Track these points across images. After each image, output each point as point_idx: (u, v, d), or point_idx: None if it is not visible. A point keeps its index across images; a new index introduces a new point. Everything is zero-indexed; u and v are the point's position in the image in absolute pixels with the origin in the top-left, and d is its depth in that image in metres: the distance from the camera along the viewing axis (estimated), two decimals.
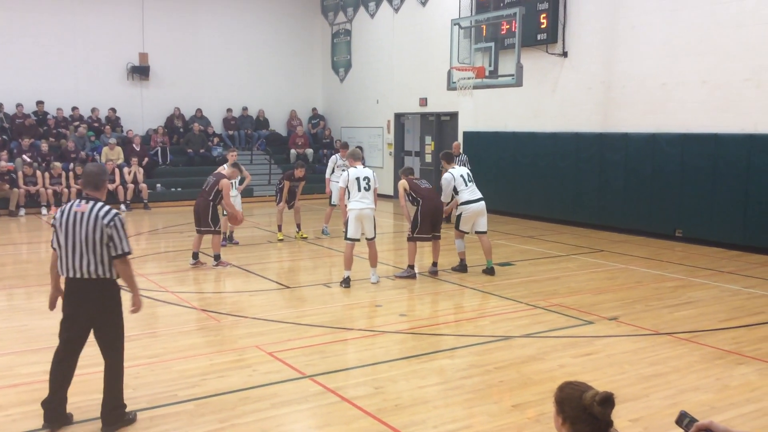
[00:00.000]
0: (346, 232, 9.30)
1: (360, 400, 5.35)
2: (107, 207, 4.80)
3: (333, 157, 13.63)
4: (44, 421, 4.79)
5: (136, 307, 4.98)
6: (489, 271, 9.92)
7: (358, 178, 9.18)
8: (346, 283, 9.13)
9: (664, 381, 5.78)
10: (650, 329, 7.25)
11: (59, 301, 4.98)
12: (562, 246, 12.40)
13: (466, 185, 9.86)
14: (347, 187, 9.25)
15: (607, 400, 2.85)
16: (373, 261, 9.41)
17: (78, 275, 4.73)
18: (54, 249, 4.86)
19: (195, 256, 10.55)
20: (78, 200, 4.83)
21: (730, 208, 11.89)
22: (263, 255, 11.74)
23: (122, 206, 17.34)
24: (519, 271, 10.19)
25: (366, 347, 6.81)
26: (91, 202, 4.79)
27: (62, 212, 4.82)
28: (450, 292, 9.14)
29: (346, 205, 9.33)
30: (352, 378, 5.94)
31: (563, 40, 14.80)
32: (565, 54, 14.81)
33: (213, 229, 10.34)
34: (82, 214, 4.73)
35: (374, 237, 9.35)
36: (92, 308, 4.78)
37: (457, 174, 9.87)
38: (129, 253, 4.83)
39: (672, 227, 12.87)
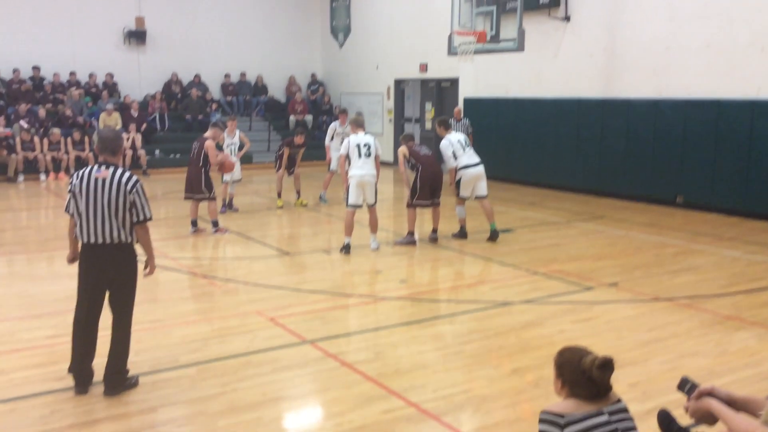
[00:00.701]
0: (346, 198, 9.27)
1: (360, 365, 5.38)
2: (129, 173, 4.81)
3: (332, 124, 13.54)
4: (75, 386, 4.84)
5: (151, 270, 5.09)
6: (493, 234, 9.88)
7: (358, 145, 9.12)
8: (346, 249, 9.13)
9: (663, 346, 5.81)
10: (650, 295, 7.26)
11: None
12: (563, 212, 12.38)
13: (464, 150, 9.77)
14: (348, 154, 9.21)
15: (606, 365, 2.87)
16: (374, 227, 9.40)
17: (99, 241, 4.75)
18: (71, 215, 4.85)
19: (194, 223, 10.52)
20: (97, 166, 4.80)
21: (731, 175, 11.84)
22: (263, 222, 11.73)
23: None
24: (519, 238, 10.18)
25: (366, 313, 6.83)
26: (112, 168, 4.78)
27: (80, 178, 4.79)
28: (450, 258, 9.14)
29: (346, 172, 9.29)
30: (353, 343, 5.97)
31: (566, 4, 14.57)
32: (567, 18, 14.61)
33: (208, 195, 10.28)
34: (104, 180, 4.73)
35: (375, 203, 9.33)
36: (111, 272, 4.82)
37: (454, 140, 9.79)
38: (150, 218, 4.88)
39: (673, 193, 12.83)
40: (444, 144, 9.84)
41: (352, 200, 9.13)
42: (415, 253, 9.36)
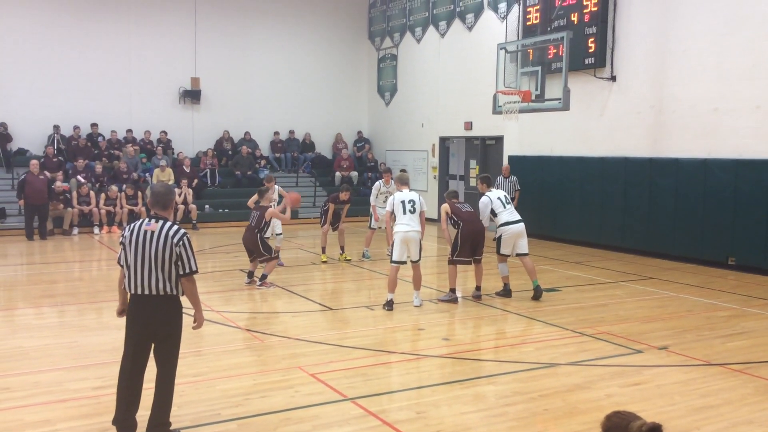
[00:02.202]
0: (391, 255, 9.31)
1: (402, 424, 5.30)
2: (176, 226, 4.93)
3: (377, 183, 13.61)
4: None
5: (199, 323, 5.16)
6: (536, 291, 9.77)
7: (403, 201, 9.22)
8: (389, 305, 9.11)
9: (716, 413, 5.59)
10: (702, 359, 7.03)
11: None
12: (610, 273, 12.16)
13: (504, 207, 9.82)
14: (393, 210, 9.30)
15: (655, 431, 2.78)
16: (417, 284, 9.38)
17: (146, 292, 4.86)
18: (121, 266, 4.99)
19: (250, 275, 10.82)
20: (147, 219, 4.96)
21: None
22: (307, 276, 11.82)
23: None
24: (565, 298, 10.01)
25: (408, 371, 6.76)
26: (161, 221, 4.92)
27: (131, 231, 4.94)
28: (493, 316, 9.03)
29: (392, 228, 9.37)
30: (394, 402, 5.89)
31: (612, 64, 14.65)
32: (613, 78, 14.65)
33: (269, 256, 10.58)
34: (152, 233, 4.86)
35: (419, 260, 9.33)
36: (157, 324, 4.89)
37: (494, 197, 9.86)
38: (196, 271, 4.95)
39: (724, 255, 12.50)
40: (483, 201, 9.90)
41: (396, 257, 9.16)
42: (458, 311, 9.27)
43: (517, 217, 9.90)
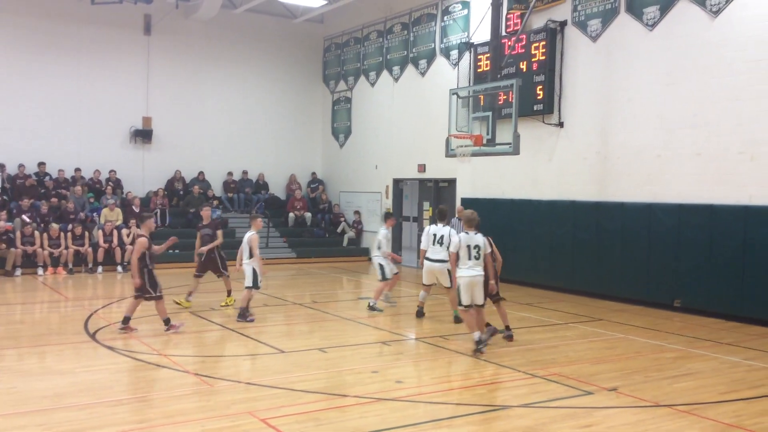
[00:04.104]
0: (459, 299, 9.11)
1: None
2: None
3: (382, 231, 12.44)
4: None
5: None
6: (456, 319, 10.81)
7: (469, 246, 8.94)
8: (483, 344, 8.92)
9: None
10: (650, 401, 7.13)
11: None
12: (560, 314, 12.32)
13: (433, 245, 10.90)
14: (458, 252, 8.97)
15: None
16: (481, 326, 9.17)
17: None
18: None
19: (126, 320, 10.08)
20: None
21: (727, 279, 11.88)
22: (259, 318, 11.59)
23: (119, 268, 17.28)
24: (517, 339, 10.07)
25: (362, 414, 6.67)
26: None
27: None
28: (446, 358, 9.01)
29: (456, 270, 9.05)
30: None
31: (559, 111, 15.10)
32: (561, 124, 15.08)
33: (153, 294, 9.93)
34: None
35: (484, 304, 9.19)
36: None
37: (431, 231, 10.95)
38: None
39: (670, 297, 12.82)
40: (425, 229, 11.28)
41: (465, 301, 8.97)
42: (411, 353, 9.23)
43: (440, 257, 10.79)
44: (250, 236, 11.08)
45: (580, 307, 13.03)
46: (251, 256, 11.05)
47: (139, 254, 9.83)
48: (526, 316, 12.12)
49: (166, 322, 10.10)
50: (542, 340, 10.14)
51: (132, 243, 17.74)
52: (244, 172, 22.24)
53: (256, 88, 22.61)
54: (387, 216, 12.77)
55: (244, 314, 10.98)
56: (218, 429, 6.08)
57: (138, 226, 10.15)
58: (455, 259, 9.03)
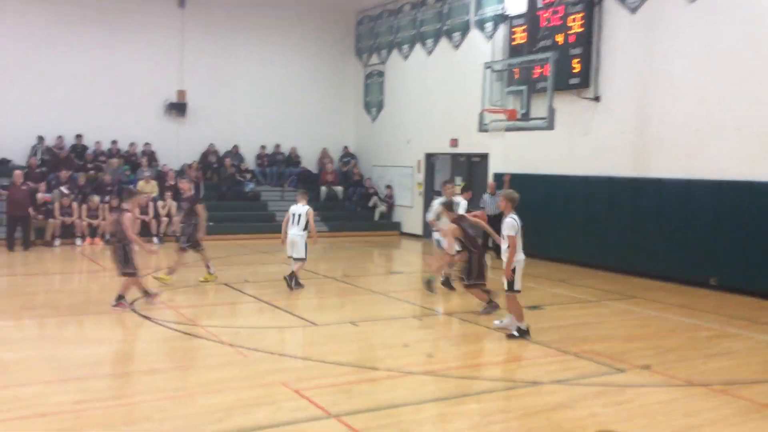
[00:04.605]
0: (511, 284, 8.52)
1: None
2: None
3: (436, 200, 11.99)
4: None
5: None
6: (428, 284, 10.99)
7: (522, 227, 8.45)
8: (527, 333, 8.56)
9: None
10: (684, 379, 7.06)
11: None
12: (593, 291, 12.22)
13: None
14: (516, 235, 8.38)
15: None
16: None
17: None
18: None
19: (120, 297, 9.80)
20: None
21: (766, 257, 11.63)
22: (292, 291, 11.69)
23: (155, 239, 17.55)
24: (549, 316, 10.04)
25: (392, 388, 6.73)
26: None
27: None
28: (477, 334, 9.02)
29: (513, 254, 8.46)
30: (378, 419, 5.85)
31: (596, 85, 14.82)
32: (597, 98, 14.81)
33: (130, 271, 9.61)
34: None
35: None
36: None
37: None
38: None
39: (706, 275, 12.61)
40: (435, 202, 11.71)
41: (518, 286, 8.53)
42: (442, 328, 9.26)
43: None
44: (308, 210, 11.40)
45: (614, 284, 12.90)
46: (305, 228, 11.37)
47: (133, 229, 9.69)
48: (559, 292, 12.05)
49: (119, 297, 9.62)
50: (574, 316, 10.08)
51: (167, 215, 18.04)
52: (277, 146, 22.33)
53: (290, 62, 22.58)
54: (464, 189, 12.39)
55: (298, 282, 11.37)
56: (252, 398, 6.19)
57: (125, 200, 9.85)
58: (514, 243, 8.32)
